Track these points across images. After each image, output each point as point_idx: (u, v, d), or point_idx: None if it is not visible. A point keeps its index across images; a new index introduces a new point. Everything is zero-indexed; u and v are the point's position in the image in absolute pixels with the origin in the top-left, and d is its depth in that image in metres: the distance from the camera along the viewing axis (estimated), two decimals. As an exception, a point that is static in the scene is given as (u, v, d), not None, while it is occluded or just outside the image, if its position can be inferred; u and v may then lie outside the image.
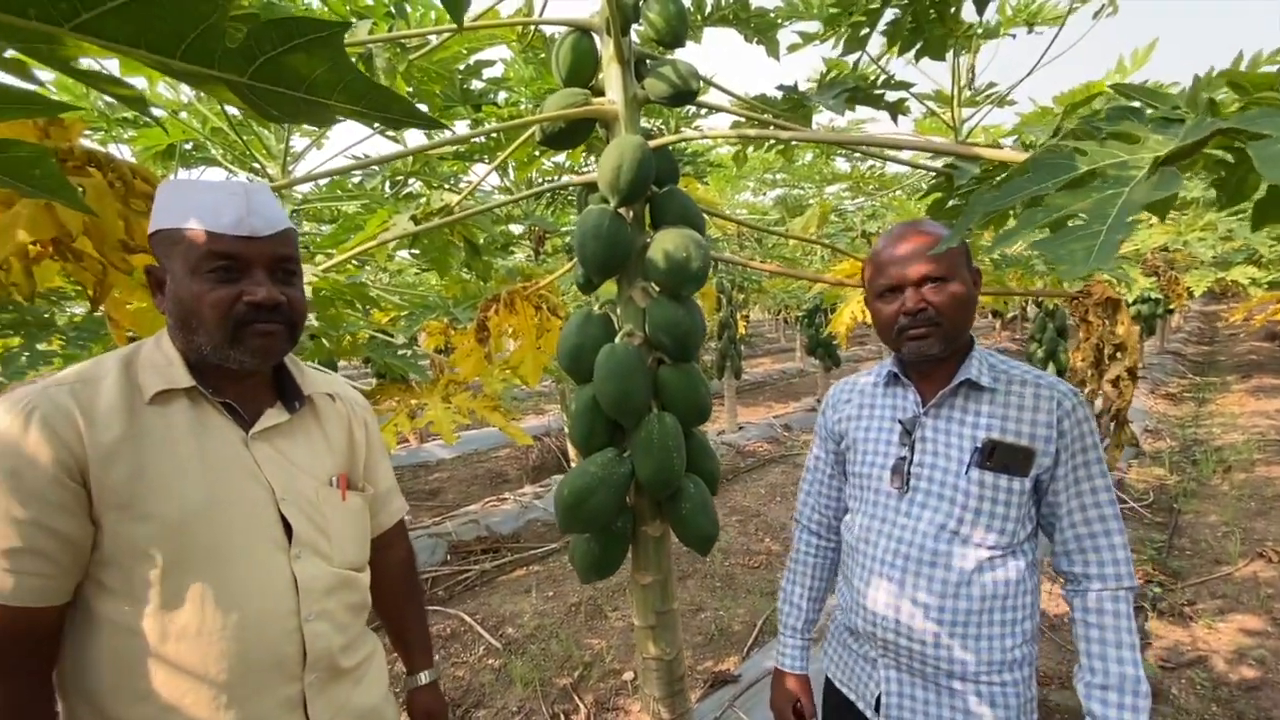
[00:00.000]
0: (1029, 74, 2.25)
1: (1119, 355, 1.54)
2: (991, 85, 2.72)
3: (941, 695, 1.07)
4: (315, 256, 1.81)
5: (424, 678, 1.19)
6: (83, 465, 0.74)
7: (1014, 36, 2.31)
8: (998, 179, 0.91)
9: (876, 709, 1.14)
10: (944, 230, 1.07)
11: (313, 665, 0.86)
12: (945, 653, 1.05)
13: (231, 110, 2.02)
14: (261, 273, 0.83)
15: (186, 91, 2.28)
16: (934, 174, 1.70)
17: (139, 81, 2.01)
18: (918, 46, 1.92)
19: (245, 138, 2.03)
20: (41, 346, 1.99)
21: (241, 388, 0.89)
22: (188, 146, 2.55)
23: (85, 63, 0.55)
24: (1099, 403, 1.73)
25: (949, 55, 2.07)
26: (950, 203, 1.66)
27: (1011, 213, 0.83)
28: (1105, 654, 1.00)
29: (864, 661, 1.18)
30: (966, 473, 1.05)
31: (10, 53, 0.72)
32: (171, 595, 0.77)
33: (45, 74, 2.17)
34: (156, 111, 2.21)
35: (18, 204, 0.85)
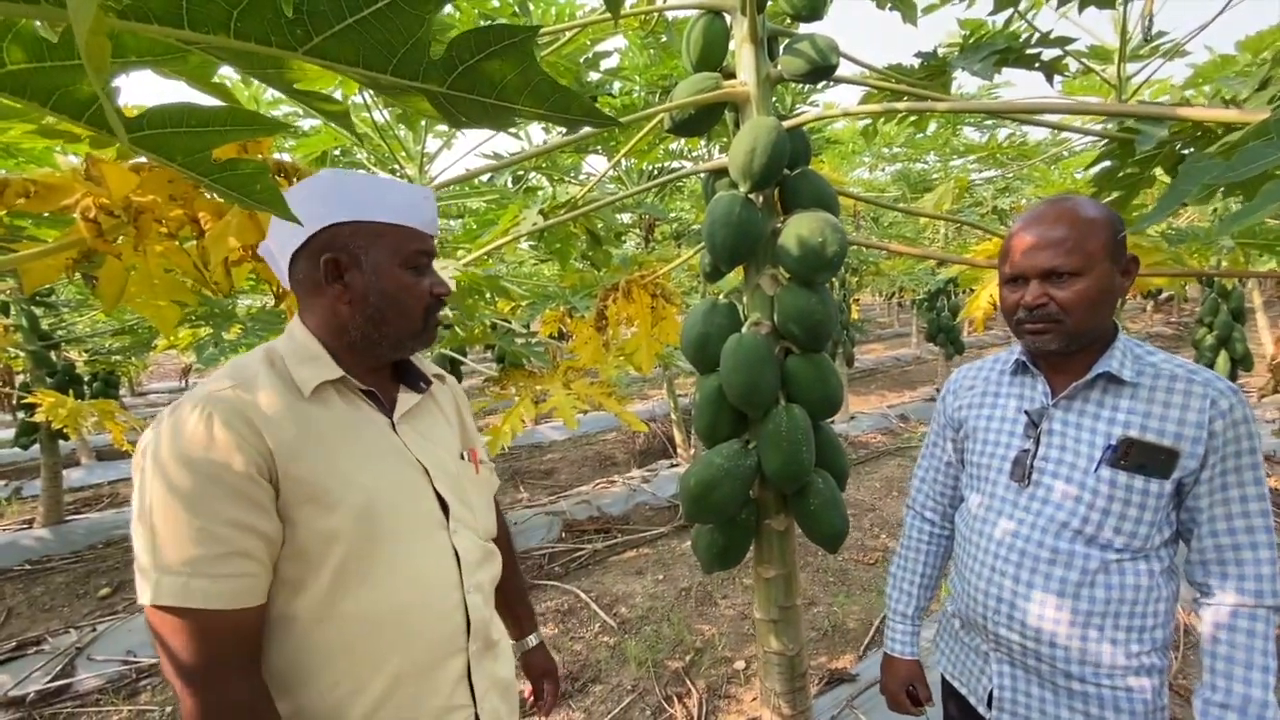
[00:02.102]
0: (1222, 10, 1.92)
1: (1346, 345, 1.29)
2: (1161, 34, 2.38)
3: (1059, 695, 1.02)
4: (457, 251, 1.93)
5: (533, 640, 1.25)
6: (270, 463, 0.75)
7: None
8: (1224, 142, 0.78)
9: (989, 705, 1.11)
10: (1096, 212, 0.97)
11: (475, 636, 0.89)
12: (1063, 653, 1.00)
13: (378, 117, 2.19)
14: (432, 268, 0.91)
15: (335, 96, 2.50)
16: (1099, 140, 1.51)
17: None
18: (1084, -5, 1.70)
19: (389, 142, 2.19)
20: (225, 336, 2.29)
21: (377, 376, 0.91)
22: (336, 152, 2.81)
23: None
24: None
25: (1118, 2, 1.82)
26: (1124, 172, 1.47)
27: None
28: (1231, 673, 0.93)
29: (975, 655, 1.15)
30: (1096, 470, 0.99)
31: (225, 78, 0.81)
32: (359, 581, 0.79)
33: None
34: (313, 122, 2.44)
35: (229, 213, 0.97)
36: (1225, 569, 0.96)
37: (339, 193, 0.83)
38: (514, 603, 1.23)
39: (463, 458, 0.99)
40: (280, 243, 0.86)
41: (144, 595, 0.70)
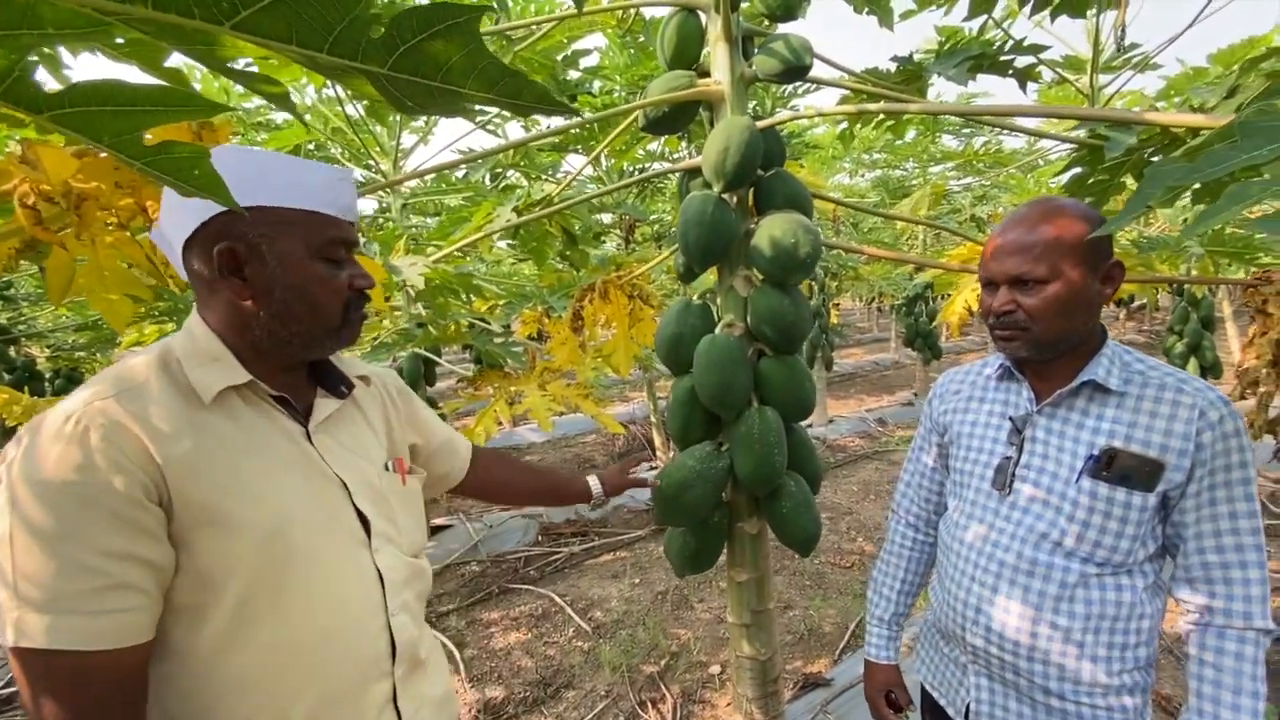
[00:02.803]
0: (1193, 23, 1.96)
1: (1306, 353, 1.32)
2: (1134, 46, 2.42)
3: (1038, 711, 1.00)
4: (427, 249, 1.89)
5: (594, 484, 1.34)
6: (159, 484, 0.66)
7: (1172, -13, 2.02)
8: (1189, 147, 0.78)
9: (966, 718, 1.09)
10: (1072, 216, 0.93)
11: (400, 659, 0.83)
12: (1041, 668, 0.98)
13: (351, 111, 2.14)
14: (354, 258, 0.82)
15: (310, 94, 2.45)
16: (1073, 147, 1.52)
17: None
18: (1055, 4, 1.72)
19: (362, 136, 2.15)
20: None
21: (290, 379, 0.83)
22: (310, 146, 2.75)
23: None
24: (1275, 406, 1.50)
25: (1090, 12, 1.85)
26: (1093, 179, 1.48)
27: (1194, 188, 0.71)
28: (1219, 697, 0.89)
29: (954, 666, 1.13)
30: (1077, 481, 0.96)
31: (172, 62, 0.78)
32: (269, 608, 0.71)
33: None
34: (286, 115, 2.38)
35: (176, 202, 0.93)
36: (1213, 588, 0.92)
37: (238, 174, 0.70)
38: (559, 483, 1.31)
39: (388, 468, 0.90)
40: (170, 228, 0.76)
41: (5, 634, 0.61)
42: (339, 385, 0.88)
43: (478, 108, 0.54)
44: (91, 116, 0.51)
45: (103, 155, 0.97)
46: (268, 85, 0.52)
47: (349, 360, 0.98)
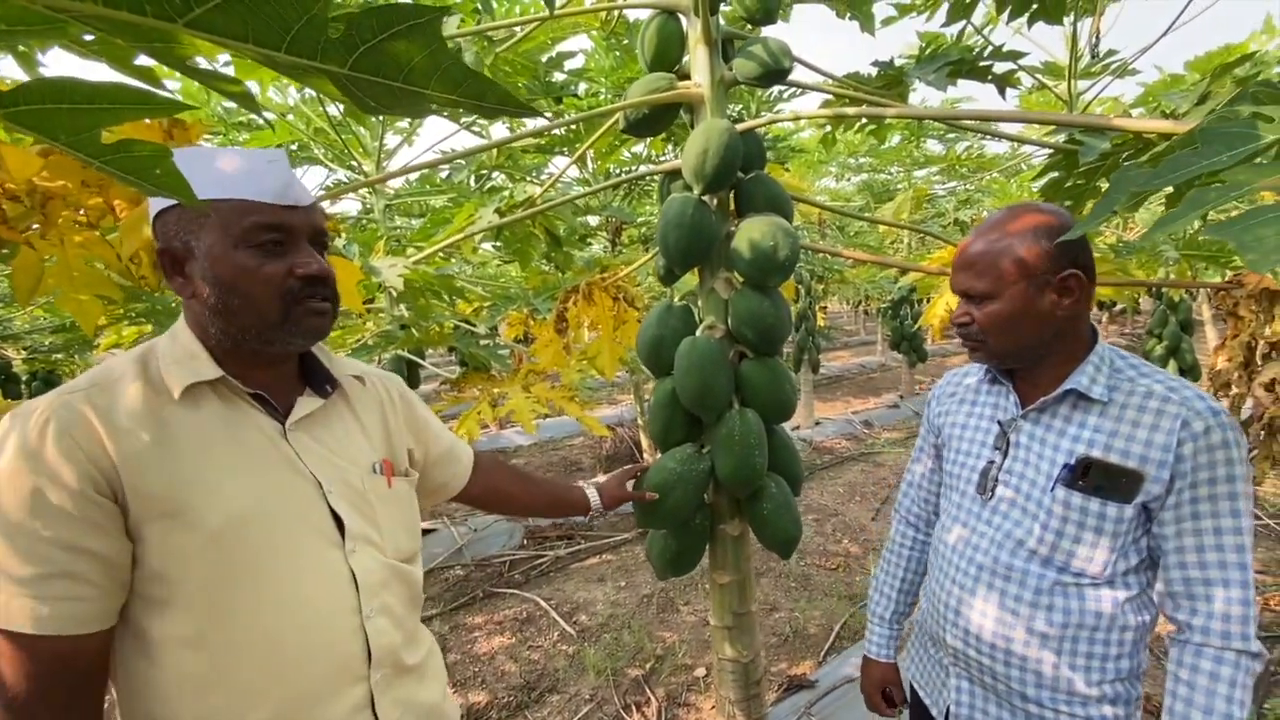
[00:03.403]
0: (1166, 32, 2.00)
1: (1275, 355, 1.34)
2: (1111, 53, 2.46)
3: (1016, 716, 1.00)
4: (407, 250, 1.88)
5: (593, 494, 1.31)
6: (111, 478, 0.68)
7: (1146, -5, 2.05)
8: (1154, 153, 0.80)
9: (947, 718, 1.10)
10: (1026, 227, 0.92)
11: (378, 663, 0.82)
12: (1017, 673, 0.97)
13: (333, 111, 2.13)
14: (307, 245, 0.79)
15: (293, 95, 2.43)
16: (1049, 151, 1.54)
17: (252, 86, 2.15)
18: (1031, 10, 1.74)
19: (344, 137, 2.13)
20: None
21: (270, 376, 0.82)
22: (293, 147, 2.72)
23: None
24: (1247, 409, 1.52)
25: (1066, 20, 1.87)
26: (1070, 183, 1.50)
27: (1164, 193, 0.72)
28: (1189, 715, 0.86)
29: (938, 667, 1.14)
30: (1051, 489, 0.95)
31: (140, 61, 0.77)
32: (229, 604, 0.71)
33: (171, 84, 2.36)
34: (267, 115, 2.36)
35: (144, 201, 0.91)
36: (1194, 604, 0.89)
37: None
38: (559, 493, 1.28)
39: (375, 470, 0.89)
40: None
41: None
42: (324, 384, 0.87)
43: (460, 110, 0.54)
44: (48, 114, 0.50)
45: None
46: (229, 85, 0.51)
47: (345, 360, 0.96)
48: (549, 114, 2.45)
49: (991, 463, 1.04)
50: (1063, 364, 0.98)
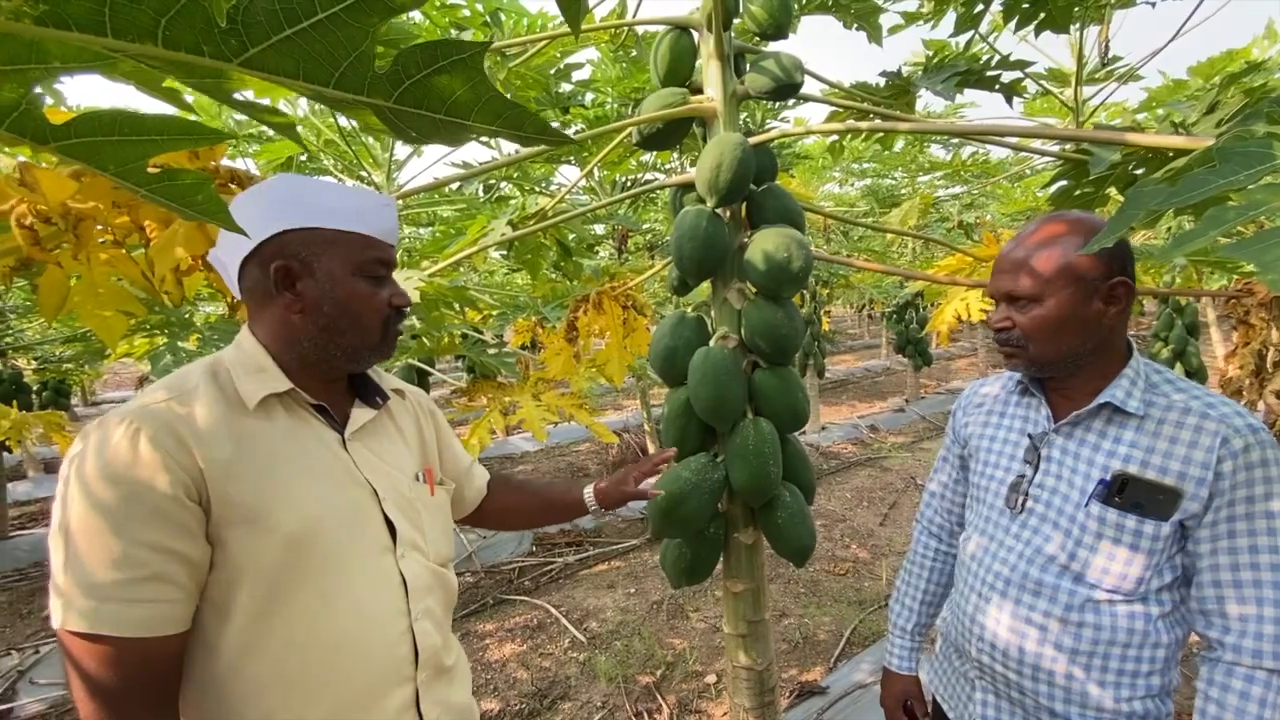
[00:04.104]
0: (1173, 39, 2.00)
1: (1287, 362, 1.35)
2: (1115, 59, 2.47)
3: None
4: (421, 262, 1.89)
5: (589, 495, 1.26)
6: (199, 484, 0.71)
7: (1152, 3, 2.06)
8: (1170, 168, 0.81)
9: None
10: (1071, 233, 0.91)
11: (423, 664, 0.86)
12: (1045, 688, 0.96)
13: (344, 122, 2.15)
14: (393, 278, 0.88)
15: (303, 106, 2.45)
16: (1057, 160, 1.55)
17: (263, 100, 2.18)
18: (1038, 20, 1.76)
19: (354, 148, 2.16)
20: (182, 344, 2.21)
21: (329, 390, 0.87)
22: (302, 158, 2.75)
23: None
24: (1258, 415, 1.53)
25: (1073, 27, 1.89)
26: (1079, 191, 1.51)
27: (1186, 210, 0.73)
28: None
29: (963, 680, 1.12)
30: (1086, 505, 0.93)
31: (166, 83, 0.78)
32: (297, 607, 0.75)
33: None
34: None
35: (175, 223, 0.93)
36: (1227, 622, 0.87)
37: (291, 198, 0.79)
38: (555, 495, 1.26)
39: (418, 479, 0.94)
40: (229, 250, 0.82)
41: (55, 617, 0.67)
42: (374, 396, 0.93)
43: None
44: (97, 146, 0.52)
45: (95, 174, 0.98)
46: (273, 116, 0.52)
47: (385, 375, 1.02)
48: (556, 123, 2.46)
49: (1022, 476, 1.02)
50: (1098, 376, 0.96)
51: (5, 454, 4.17)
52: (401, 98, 0.47)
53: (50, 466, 6.56)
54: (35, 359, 4.57)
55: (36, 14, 0.39)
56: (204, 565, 0.72)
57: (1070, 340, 0.93)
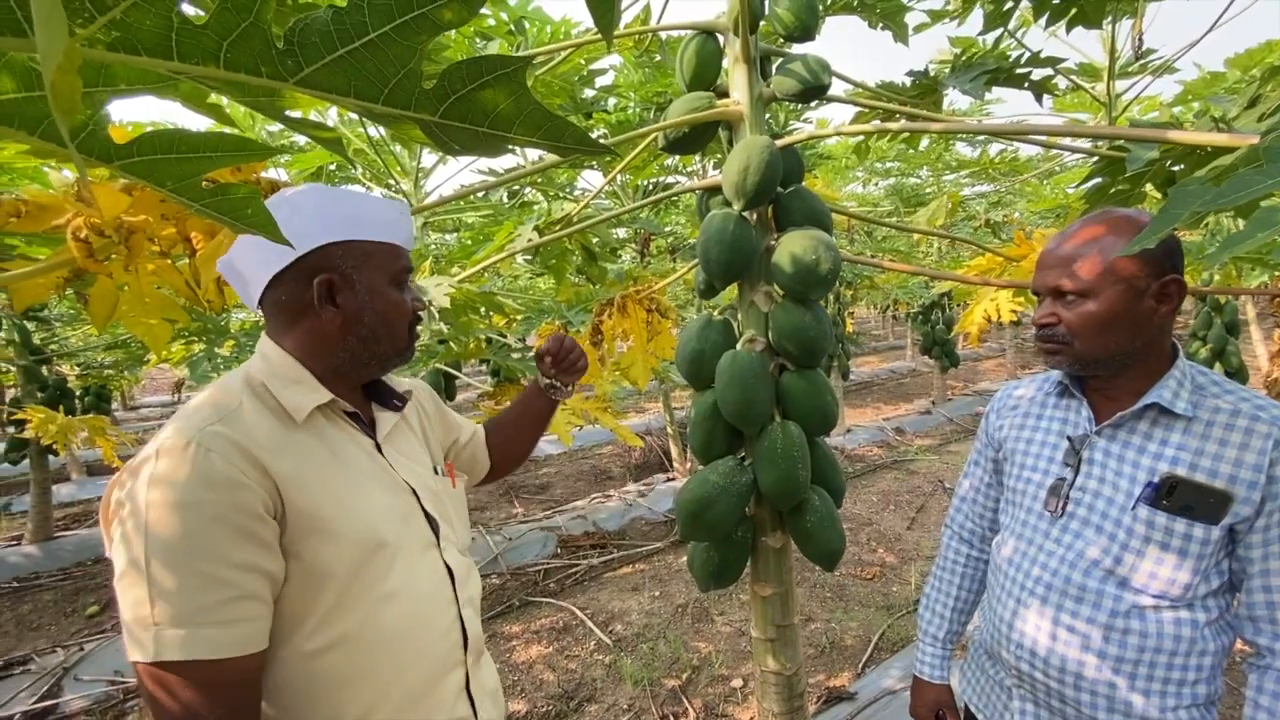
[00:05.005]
0: (1210, 30, 1.95)
1: (1337, 362, 1.30)
2: (1149, 52, 2.41)
3: None
4: (450, 268, 1.92)
5: (538, 379, 1.26)
6: (275, 498, 0.72)
7: (1188, -5, 2.00)
8: (1214, 166, 0.79)
9: None
10: (1125, 229, 0.90)
11: (471, 648, 0.90)
12: (1089, 697, 0.94)
13: (373, 132, 2.19)
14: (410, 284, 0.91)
15: (332, 116, 2.51)
16: (1089, 156, 1.52)
17: (294, 113, 2.24)
18: (1070, 15, 1.72)
19: (384, 157, 2.20)
20: (218, 350, 2.28)
21: (354, 396, 0.90)
22: (331, 167, 2.81)
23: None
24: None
25: (1105, 21, 1.85)
26: (1114, 188, 1.48)
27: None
28: None
29: (999, 689, 1.10)
30: (1133, 509, 0.91)
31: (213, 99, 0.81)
32: (364, 608, 0.77)
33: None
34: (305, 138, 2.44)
35: (220, 234, 0.96)
36: (1277, 628, 0.86)
37: (330, 211, 0.80)
38: (525, 404, 1.26)
39: (437, 472, 0.98)
40: (257, 262, 0.82)
41: (141, 652, 0.65)
42: (392, 400, 0.95)
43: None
44: (157, 164, 0.54)
45: (147, 189, 1.01)
46: (321, 131, 0.54)
47: (394, 379, 1.04)
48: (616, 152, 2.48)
49: (1061, 479, 1.00)
50: (1143, 377, 0.95)
51: (51, 456, 4.32)
52: (447, 112, 0.48)
53: (93, 469, 6.78)
54: (78, 365, 4.73)
55: (109, 40, 0.41)
56: (280, 579, 0.73)
57: (1118, 338, 0.91)
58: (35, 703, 2.70)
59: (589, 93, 2.40)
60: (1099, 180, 1.50)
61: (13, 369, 4.11)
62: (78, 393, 4.76)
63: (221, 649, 0.67)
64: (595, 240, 2.30)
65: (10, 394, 4.55)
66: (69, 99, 0.34)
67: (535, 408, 1.27)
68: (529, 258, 3.05)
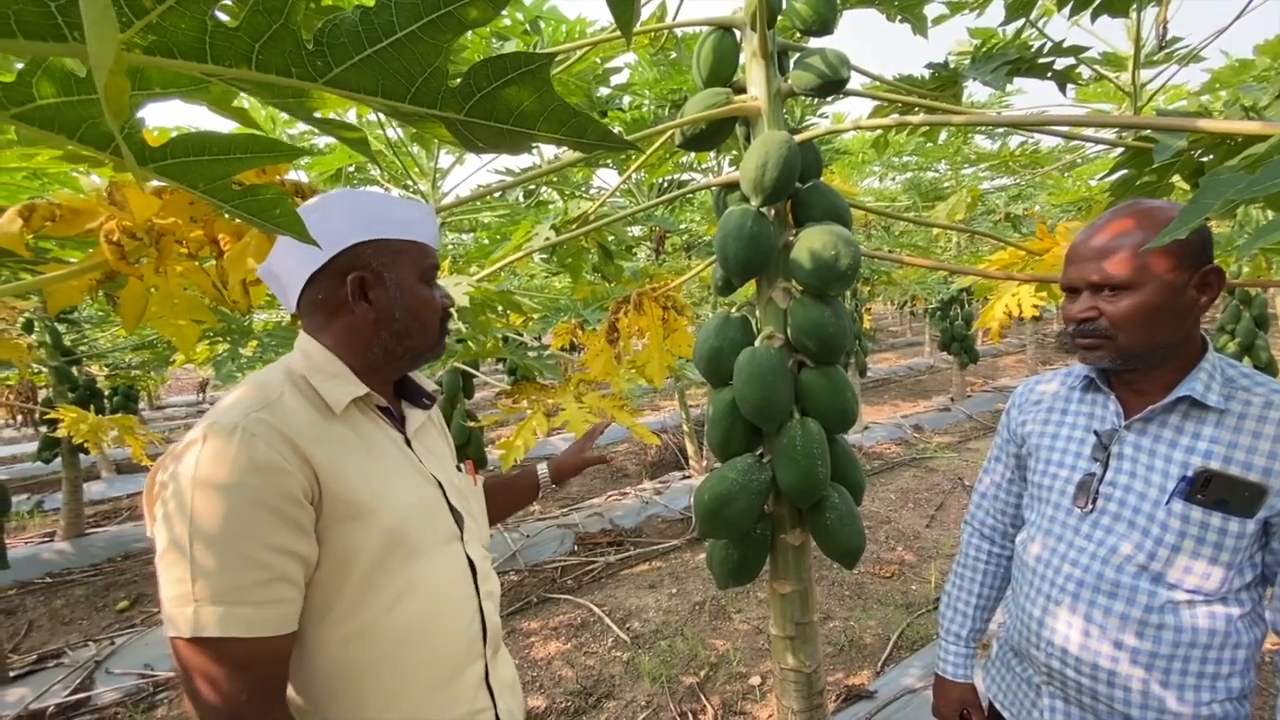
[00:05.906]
0: (1239, 16, 1.90)
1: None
2: (1174, 40, 2.36)
3: None
4: (469, 267, 1.94)
5: (542, 468, 1.32)
6: (314, 484, 0.74)
7: (1217, -20, 1.95)
8: (1247, 154, 0.77)
9: None
10: (1164, 219, 0.88)
11: (490, 641, 0.92)
12: (1122, 694, 0.93)
13: (391, 134, 2.22)
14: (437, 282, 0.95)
15: (351, 117, 2.54)
16: (1113, 148, 1.49)
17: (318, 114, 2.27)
18: (1095, 4, 1.69)
19: (402, 158, 2.22)
20: (242, 350, 2.32)
21: (386, 392, 0.92)
22: (350, 169, 2.85)
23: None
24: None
25: (1130, 9, 1.81)
26: (1141, 180, 1.45)
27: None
28: None
29: (1027, 686, 1.08)
30: (1167, 503, 0.90)
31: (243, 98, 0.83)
32: (388, 597, 0.79)
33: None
34: (329, 139, 2.47)
35: (247, 235, 0.98)
36: None
37: (356, 212, 0.84)
38: (512, 488, 1.30)
39: (459, 469, 1.02)
40: (294, 265, 0.85)
41: (179, 628, 0.68)
42: (421, 398, 0.98)
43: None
44: (189, 166, 0.55)
45: (177, 192, 1.04)
46: (348, 132, 0.55)
47: (421, 378, 1.07)
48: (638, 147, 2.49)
49: (1090, 475, 0.99)
50: (1174, 371, 0.93)
51: (82, 455, 4.43)
52: (472, 110, 0.49)
53: (122, 468, 6.94)
54: (107, 366, 4.84)
55: (146, 44, 0.42)
56: (314, 562, 0.75)
57: (1164, 329, 0.90)
58: (69, 695, 2.78)
59: (604, 91, 2.41)
60: (1125, 172, 1.47)
61: (45, 370, 4.22)
62: (106, 393, 4.88)
63: (256, 628, 0.69)
64: (611, 238, 2.30)
65: (42, 394, 4.66)
66: (119, 101, 0.34)
67: (521, 485, 1.31)
68: (545, 256, 3.06)
